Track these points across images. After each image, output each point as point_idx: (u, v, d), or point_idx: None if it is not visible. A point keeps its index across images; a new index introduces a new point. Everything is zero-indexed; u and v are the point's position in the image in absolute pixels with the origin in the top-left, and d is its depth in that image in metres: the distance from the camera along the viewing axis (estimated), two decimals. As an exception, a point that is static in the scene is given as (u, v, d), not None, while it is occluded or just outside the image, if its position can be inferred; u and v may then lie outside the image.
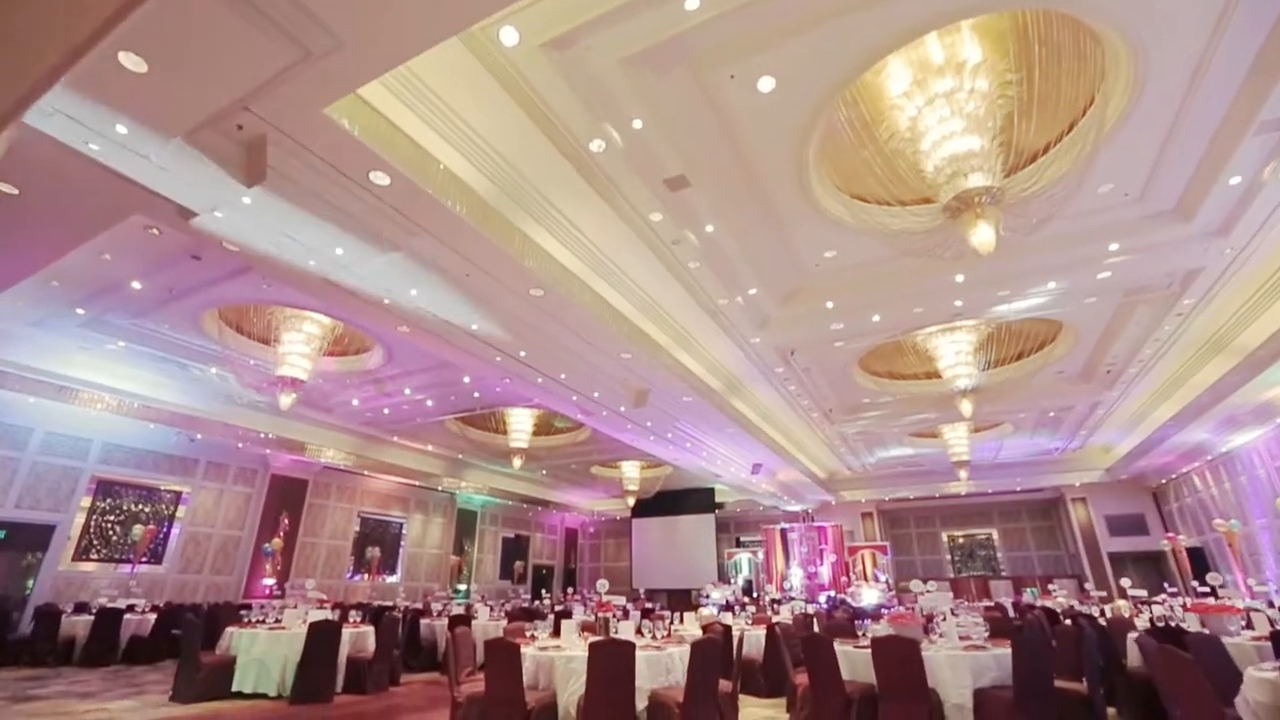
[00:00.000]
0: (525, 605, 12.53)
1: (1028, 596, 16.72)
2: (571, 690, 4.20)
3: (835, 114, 5.39)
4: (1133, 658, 5.29)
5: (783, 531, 20.17)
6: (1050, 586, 14.93)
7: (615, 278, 7.29)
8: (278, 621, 6.89)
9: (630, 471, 18.61)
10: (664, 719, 4.01)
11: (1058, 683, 4.34)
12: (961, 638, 4.73)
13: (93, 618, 8.82)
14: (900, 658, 4.29)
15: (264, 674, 6.28)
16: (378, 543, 16.99)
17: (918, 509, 21.79)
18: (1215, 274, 7.54)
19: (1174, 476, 16.19)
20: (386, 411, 12.81)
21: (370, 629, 7.32)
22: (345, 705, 6.15)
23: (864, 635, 5.10)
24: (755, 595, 17.73)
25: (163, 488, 12.54)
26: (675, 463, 14.11)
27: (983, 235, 5.15)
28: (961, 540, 21.70)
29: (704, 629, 6.05)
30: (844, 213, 6.54)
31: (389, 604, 12.78)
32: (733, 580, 19.88)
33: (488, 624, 9.14)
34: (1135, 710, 5.14)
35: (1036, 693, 3.99)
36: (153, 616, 9.37)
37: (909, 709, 4.18)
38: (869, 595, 16.46)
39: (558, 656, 4.35)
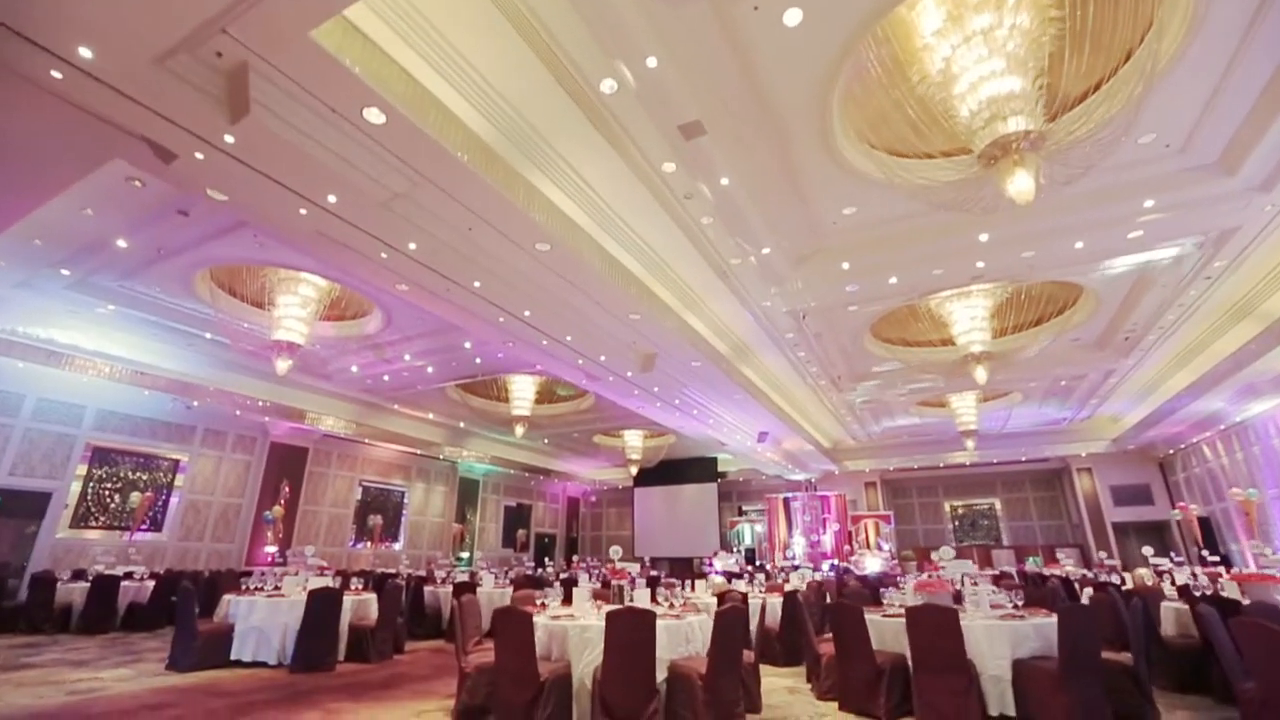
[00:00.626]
0: (529, 573, 12.45)
1: (1030, 565, 16.73)
2: (587, 661, 3.97)
3: (864, 53, 5.00)
4: (1167, 626, 5.11)
5: (785, 500, 20.14)
6: (1059, 555, 14.86)
7: (623, 235, 6.95)
8: (276, 589, 6.72)
9: (633, 440, 18.46)
10: (685, 691, 3.80)
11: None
12: (993, 606, 4.53)
13: (89, 585, 8.67)
14: (938, 627, 4.04)
15: (263, 642, 6.13)
16: (380, 511, 16.91)
17: (921, 479, 21.73)
18: (1252, 233, 7.21)
19: (1183, 446, 16.04)
20: (386, 378, 12.56)
21: (373, 596, 7.15)
22: (347, 674, 5.98)
23: (890, 604, 4.91)
24: (760, 564, 17.74)
25: (160, 455, 12.35)
26: (680, 431, 13.91)
27: (1021, 183, 4.81)
28: (963, 510, 21.69)
29: (719, 597, 5.83)
30: (869, 165, 6.17)
31: (392, 571, 12.71)
32: (735, 549, 19.89)
33: (493, 591, 9.02)
34: (1172, 680, 4.99)
35: (1084, 665, 3.76)
36: (151, 584, 9.22)
37: (947, 682, 3.96)
38: (872, 563, 16.46)
39: (571, 626, 4.12)
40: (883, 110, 5.61)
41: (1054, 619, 4.07)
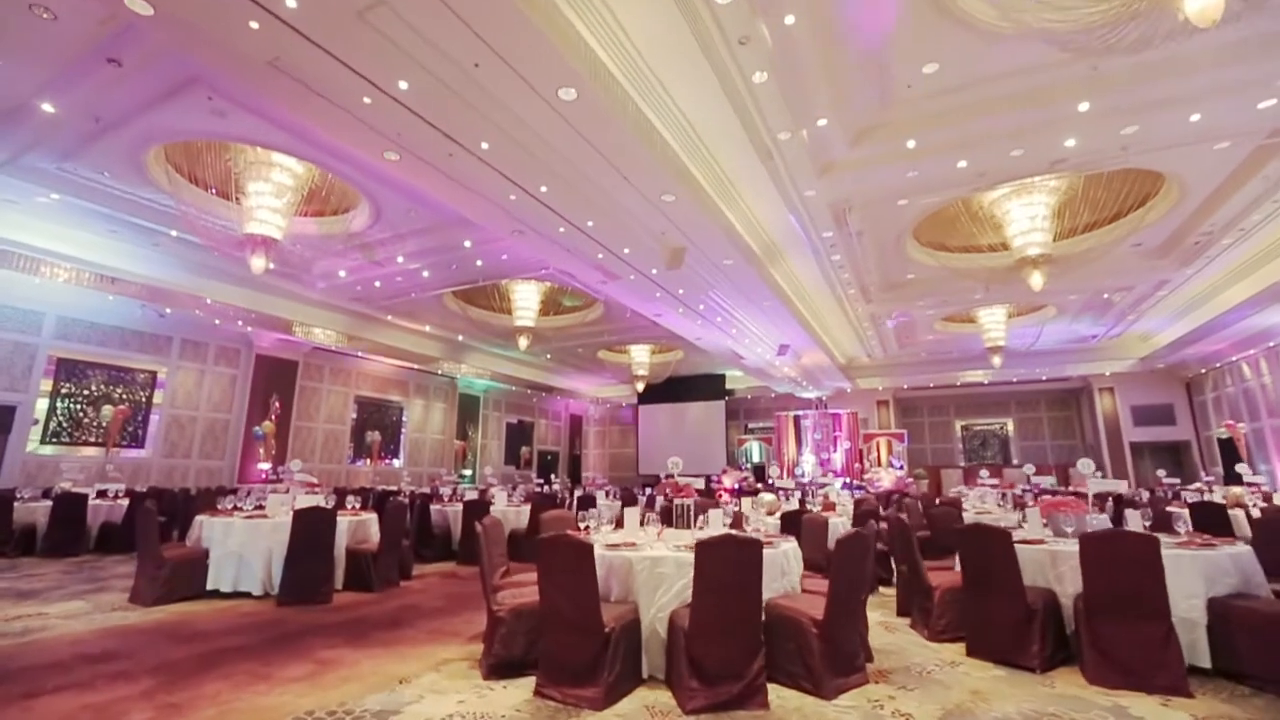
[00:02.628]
0: (539, 489, 11.85)
1: (1045, 485, 16.41)
2: (660, 603, 3.13)
3: None
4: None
5: (796, 419, 19.63)
6: (1097, 474, 14.40)
7: (657, 98, 5.71)
8: (259, 508, 5.84)
9: (640, 356, 17.63)
10: (794, 639, 2.97)
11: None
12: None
13: (52, 503, 7.83)
14: (1132, 561, 3.15)
15: (245, 570, 5.30)
16: (377, 427, 16.25)
17: (932, 398, 21.21)
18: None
19: (1218, 365, 15.34)
20: (378, 284, 11.45)
21: (373, 516, 6.34)
22: (346, 606, 5.12)
23: (1021, 526, 4.08)
24: (766, 480, 17.38)
25: (134, 368, 11.40)
26: (698, 341, 12.99)
27: (1207, -2, 3.62)
28: (975, 429, 21.32)
29: (784, 518, 4.94)
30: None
31: (393, 489, 12.12)
32: (744, 466, 19.53)
33: (507, 509, 8.32)
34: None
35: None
36: (126, 503, 8.42)
37: (1136, 629, 3.09)
38: (887, 479, 16.12)
39: (637, 559, 3.24)
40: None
41: (1247, 549, 3.30)
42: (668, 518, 4.50)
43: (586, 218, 6.76)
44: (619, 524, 3.82)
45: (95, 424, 10.75)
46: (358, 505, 6.38)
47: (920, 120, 6.72)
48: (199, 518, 5.58)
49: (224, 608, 5.00)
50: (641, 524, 3.73)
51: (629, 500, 9.07)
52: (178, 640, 4.09)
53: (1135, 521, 3.65)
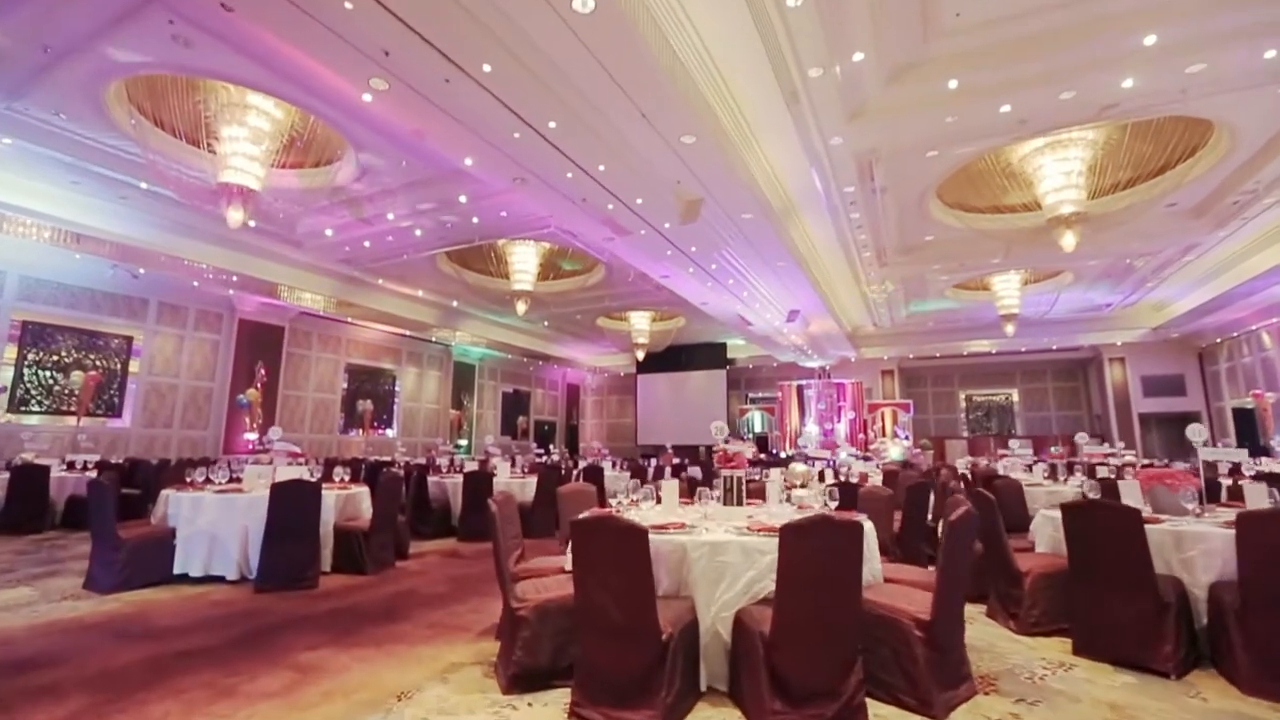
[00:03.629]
0: (542, 460, 11.35)
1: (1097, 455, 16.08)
2: (724, 600, 2.57)
3: None
4: None
5: (799, 388, 19.21)
6: (1116, 445, 14.06)
7: (679, 23, 5.05)
8: (235, 480, 5.19)
9: (640, 323, 17.07)
10: (892, 643, 2.45)
11: None
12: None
13: (8, 476, 7.19)
14: None
15: (218, 552, 4.67)
16: (369, 396, 15.69)
17: (937, 368, 20.83)
18: None
19: (1235, 335, 14.95)
20: (367, 244, 10.77)
21: (364, 490, 5.79)
22: (336, 592, 4.52)
23: (1145, 504, 3.50)
24: (770, 451, 17.02)
25: (107, 332, 10.74)
26: (704, 306, 12.41)
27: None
28: (979, 400, 21.00)
29: (844, 490, 4.24)
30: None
31: (387, 459, 11.62)
32: (746, 437, 19.16)
33: (511, 482, 7.71)
34: None
35: None
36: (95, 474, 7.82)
37: None
38: (894, 451, 15.78)
39: (691, 544, 2.65)
40: None
41: None
42: (691, 490, 3.98)
43: (598, 161, 6.10)
44: (656, 499, 3.28)
45: (67, 392, 10.13)
46: (347, 477, 5.83)
47: (965, 57, 6.08)
48: (165, 492, 4.94)
49: (191, 595, 4.37)
50: (693, 498, 3.17)
51: (637, 472, 8.61)
52: (129, 639, 3.45)
53: (1260, 497, 3.16)
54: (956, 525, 2.52)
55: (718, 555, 2.64)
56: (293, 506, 4.68)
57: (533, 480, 7.63)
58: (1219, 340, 15.70)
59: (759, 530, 2.76)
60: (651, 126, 5.50)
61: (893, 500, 4.62)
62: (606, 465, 9.26)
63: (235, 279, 10.90)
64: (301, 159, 8.46)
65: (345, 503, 5.41)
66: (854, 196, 8.96)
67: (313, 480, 5.02)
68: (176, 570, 4.68)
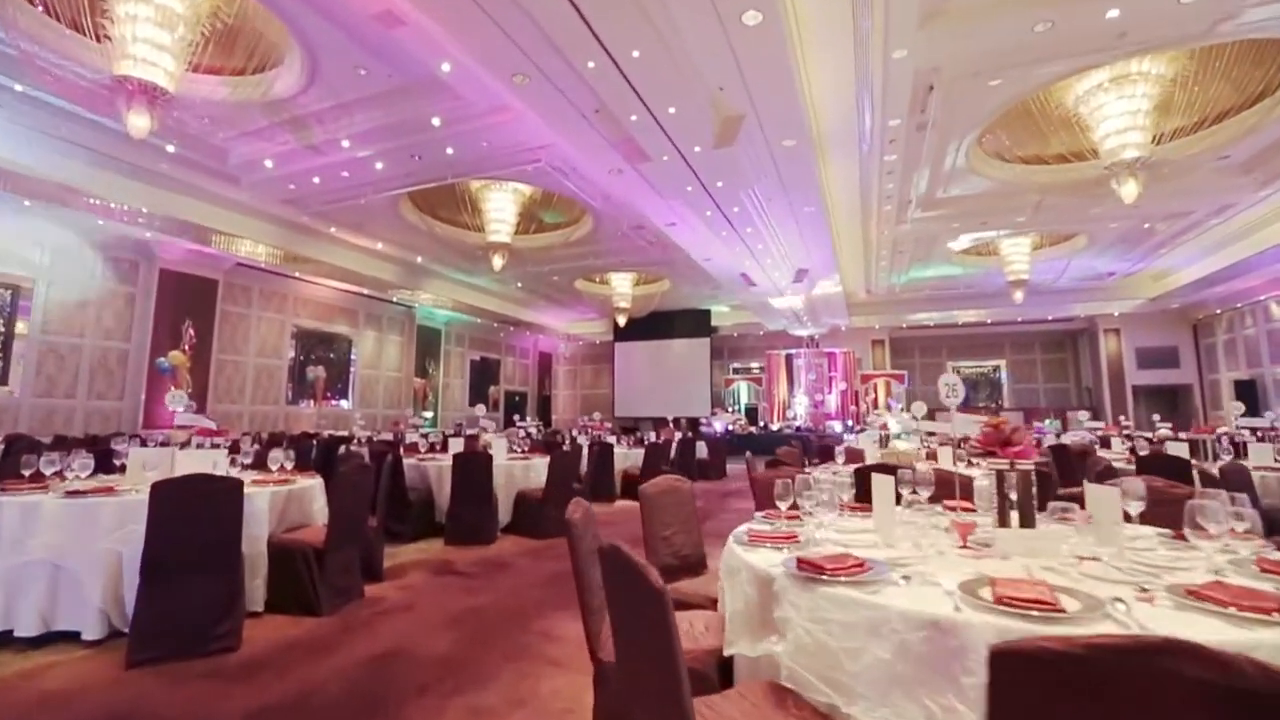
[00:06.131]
0: (541, 438, 9.87)
1: (1047, 428, 15.63)
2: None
3: None
4: None
5: (788, 357, 18.25)
6: (1121, 418, 13.51)
7: None
8: (119, 470, 3.47)
9: (622, 286, 15.73)
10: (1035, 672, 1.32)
11: None
12: None
13: None
14: None
15: (68, 595, 2.92)
16: (322, 362, 13.96)
17: (927, 339, 20.19)
18: None
19: (1239, 306, 14.54)
20: (317, 180, 9.05)
21: (314, 483, 4.01)
22: (270, 660, 2.83)
23: None
24: (759, 422, 16.03)
25: (-19, 278, 8.75)
26: (707, 263, 11.12)
27: None
28: (967, 372, 20.49)
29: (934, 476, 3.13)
30: None
31: (343, 434, 10.07)
32: (731, 409, 18.16)
33: (513, 465, 5.93)
34: None
35: None
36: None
37: None
38: (894, 424, 14.93)
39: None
40: None
41: None
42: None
43: (632, 45, 4.62)
44: (841, 508, 1.96)
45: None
46: (290, 464, 4.15)
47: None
48: (-22, 497, 3.06)
49: (11, 679, 2.59)
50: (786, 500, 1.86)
51: (652, 452, 7.27)
52: None
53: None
54: None
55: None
56: (187, 517, 2.91)
57: (539, 462, 6.01)
58: (1218, 311, 15.32)
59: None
60: (705, -3, 4.08)
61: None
62: (615, 442, 7.91)
63: (156, 220, 9.04)
64: (230, 61, 6.75)
65: (286, 504, 3.72)
66: (895, 133, 7.74)
67: (225, 475, 3.19)
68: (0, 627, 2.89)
